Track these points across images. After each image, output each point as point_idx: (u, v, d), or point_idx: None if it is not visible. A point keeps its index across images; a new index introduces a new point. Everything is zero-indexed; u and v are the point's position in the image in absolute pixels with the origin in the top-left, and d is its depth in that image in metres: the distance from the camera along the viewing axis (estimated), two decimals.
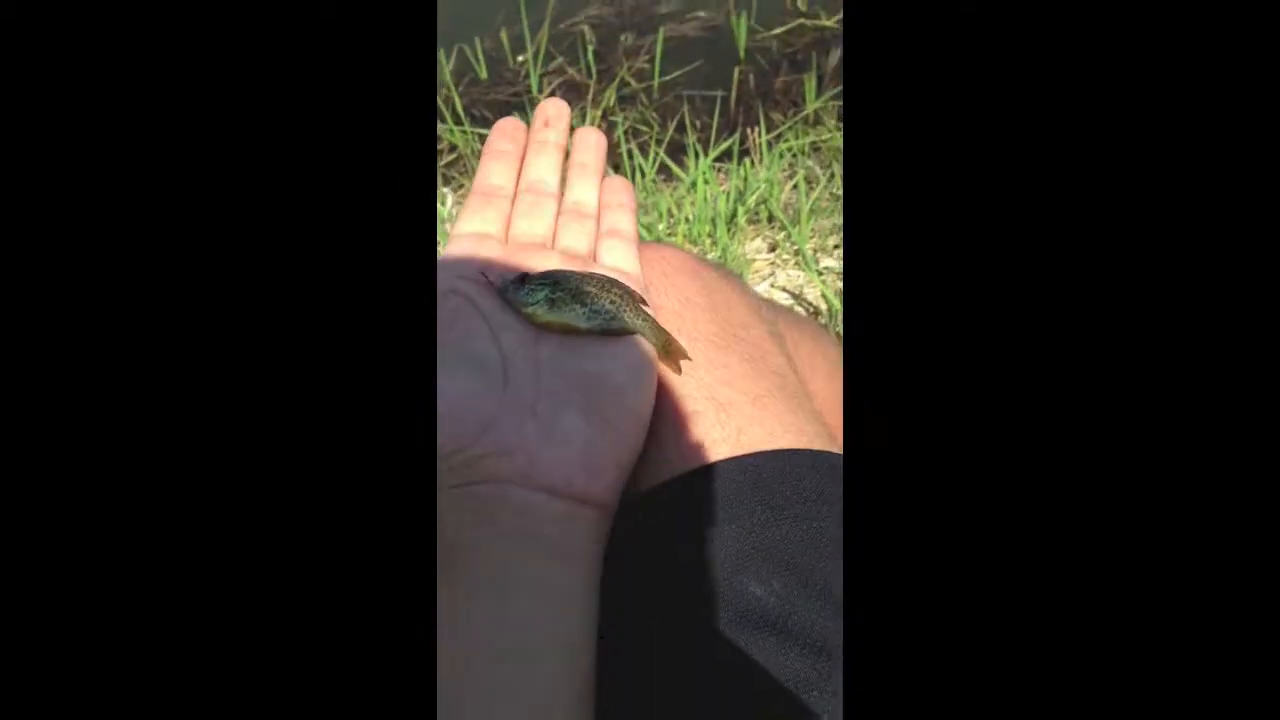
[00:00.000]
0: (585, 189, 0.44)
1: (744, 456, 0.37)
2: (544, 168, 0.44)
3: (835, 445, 0.41)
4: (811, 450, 0.38)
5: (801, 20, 1.56)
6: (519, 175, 0.44)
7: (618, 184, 0.45)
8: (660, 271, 0.43)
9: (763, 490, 0.36)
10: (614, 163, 1.29)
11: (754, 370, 0.40)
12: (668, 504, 0.37)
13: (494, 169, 0.43)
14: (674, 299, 0.42)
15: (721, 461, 0.36)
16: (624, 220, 0.44)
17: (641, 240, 0.44)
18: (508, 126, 0.45)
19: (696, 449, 0.37)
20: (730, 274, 0.47)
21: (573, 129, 0.46)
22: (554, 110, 0.45)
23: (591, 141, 0.46)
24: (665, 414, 0.38)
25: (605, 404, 0.36)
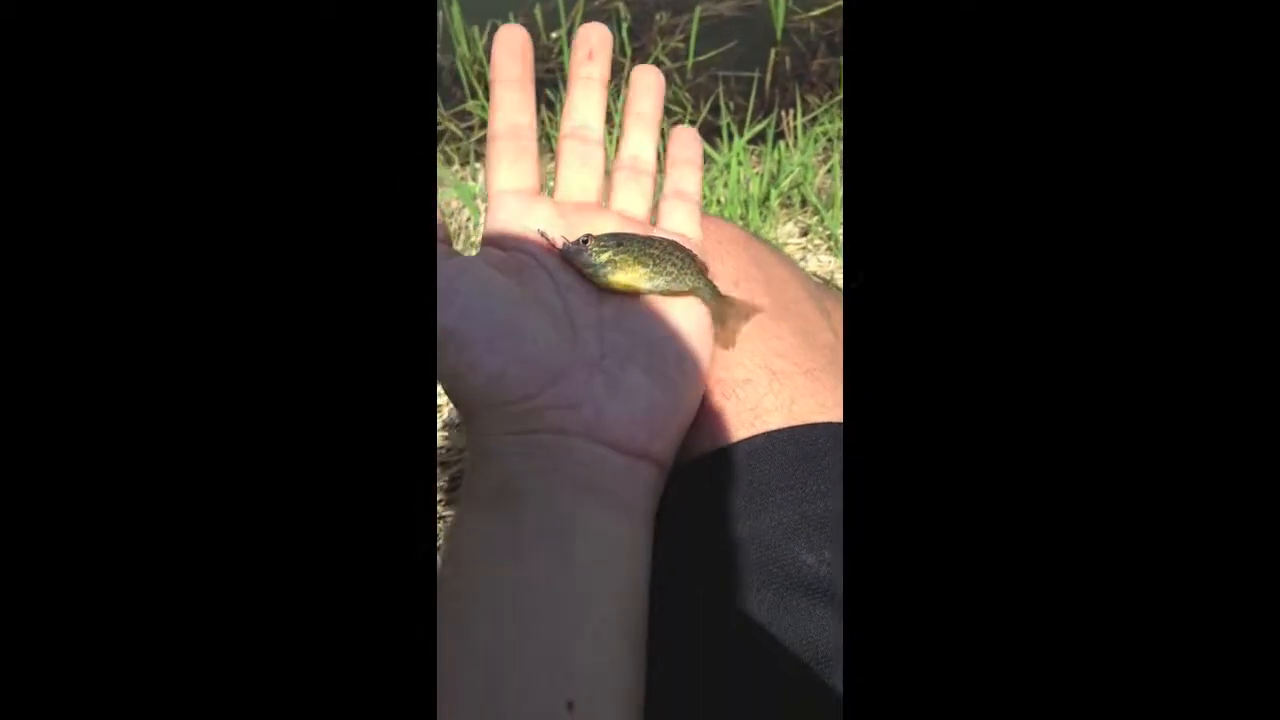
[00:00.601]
0: (644, 142, 0.41)
1: (797, 427, 0.36)
2: (590, 110, 0.40)
3: None
4: None
5: (840, 2, 1.54)
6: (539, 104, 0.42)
7: (686, 137, 0.42)
8: (716, 241, 0.42)
9: (815, 461, 0.36)
10: None
11: (806, 344, 0.40)
12: (720, 470, 0.37)
13: (513, 101, 0.38)
14: (730, 268, 0.41)
15: (775, 430, 0.36)
16: (690, 180, 0.42)
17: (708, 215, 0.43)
18: (515, 43, 0.38)
19: (750, 417, 0.37)
20: (779, 250, 0.47)
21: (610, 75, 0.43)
22: (597, 38, 0.40)
23: (650, 84, 0.41)
24: (720, 380, 0.38)
25: (667, 363, 0.36)
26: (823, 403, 0.38)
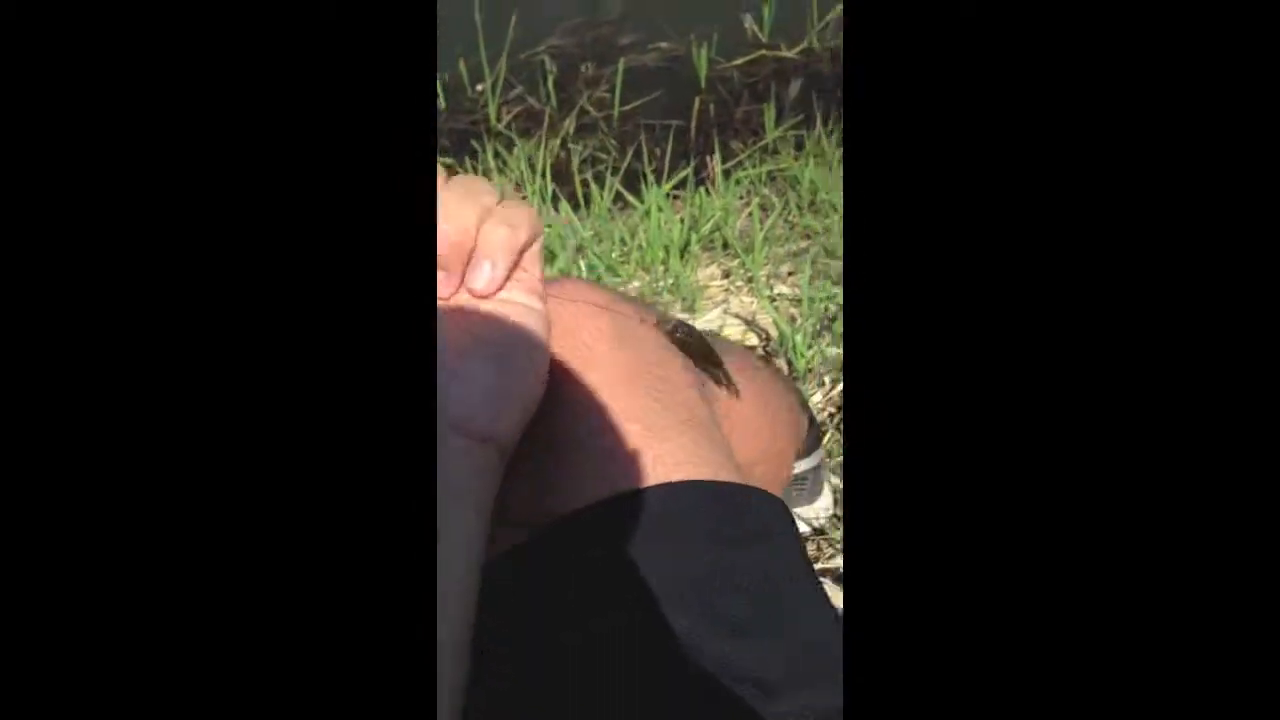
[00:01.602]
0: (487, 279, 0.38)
1: (646, 489, 0.38)
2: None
3: (738, 475, 0.42)
4: (714, 482, 0.39)
5: (762, 51, 1.57)
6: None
7: (498, 263, 0.38)
8: (570, 312, 0.43)
9: (665, 523, 0.37)
10: (569, 192, 1.28)
11: (660, 405, 0.41)
12: (568, 536, 0.38)
13: None
14: (583, 337, 0.43)
15: (623, 494, 0.38)
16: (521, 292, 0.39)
17: (555, 278, 0.45)
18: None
19: (599, 482, 0.38)
20: (645, 308, 0.48)
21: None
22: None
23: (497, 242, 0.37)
24: (569, 448, 0.40)
25: (507, 354, 0.38)
26: (676, 462, 0.39)
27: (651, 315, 0.47)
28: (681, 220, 1.18)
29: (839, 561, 0.80)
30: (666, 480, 0.38)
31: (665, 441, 0.40)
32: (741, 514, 0.39)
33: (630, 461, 0.39)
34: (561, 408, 0.40)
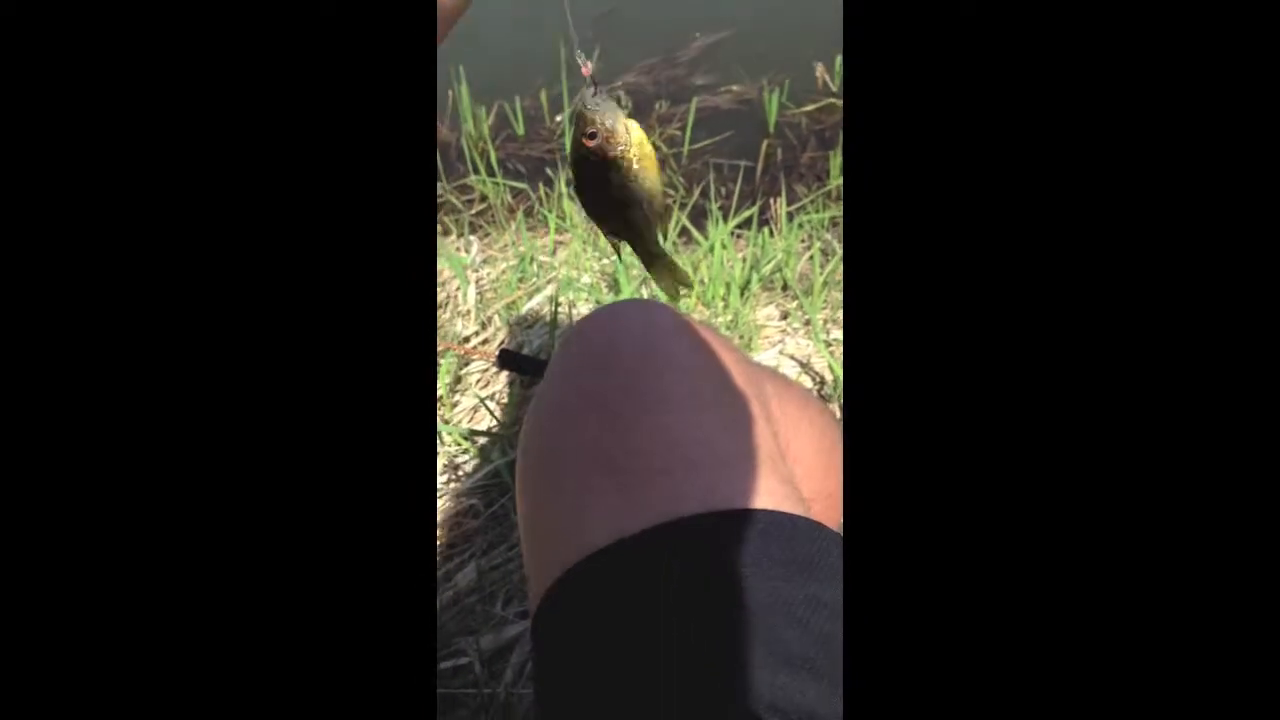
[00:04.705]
0: None
1: (708, 514, 0.38)
2: None
3: (804, 509, 0.42)
4: (778, 512, 0.40)
5: (832, 99, 1.61)
6: None
7: None
8: (651, 333, 0.44)
9: (723, 549, 0.38)
10: None
11: (730, 434, 0.42)
12: (631, 556, 0.38)
13: None
14: (659, 361, 0.43)
15: (687, 518, 0.38)
16: None
17: (639, 299, 0.46)
18: None
19: (664, 504, 0.39)
20: (722, 338, 0.49)
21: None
22: None
23: None
24: (634, 467, 0.40)
25: None
26: (739, 490, 0.39)
27: (729, 344, 0.48)
28: (743, 259, 1.21)
29: None
30: (731, 508, 0.39)
31: (731, 469, 0.40)
32: (803, 547, 0.40)
33: (696, 486, 0.39)
34: (634, 425, 0.41)
